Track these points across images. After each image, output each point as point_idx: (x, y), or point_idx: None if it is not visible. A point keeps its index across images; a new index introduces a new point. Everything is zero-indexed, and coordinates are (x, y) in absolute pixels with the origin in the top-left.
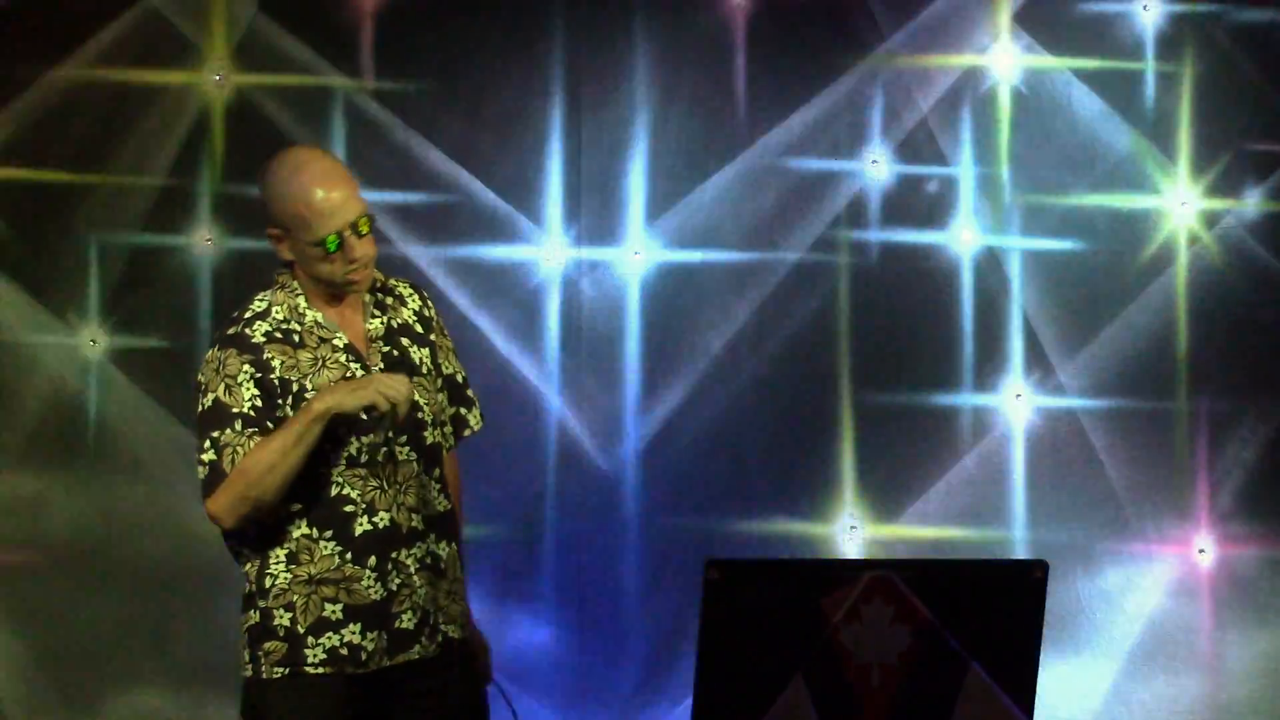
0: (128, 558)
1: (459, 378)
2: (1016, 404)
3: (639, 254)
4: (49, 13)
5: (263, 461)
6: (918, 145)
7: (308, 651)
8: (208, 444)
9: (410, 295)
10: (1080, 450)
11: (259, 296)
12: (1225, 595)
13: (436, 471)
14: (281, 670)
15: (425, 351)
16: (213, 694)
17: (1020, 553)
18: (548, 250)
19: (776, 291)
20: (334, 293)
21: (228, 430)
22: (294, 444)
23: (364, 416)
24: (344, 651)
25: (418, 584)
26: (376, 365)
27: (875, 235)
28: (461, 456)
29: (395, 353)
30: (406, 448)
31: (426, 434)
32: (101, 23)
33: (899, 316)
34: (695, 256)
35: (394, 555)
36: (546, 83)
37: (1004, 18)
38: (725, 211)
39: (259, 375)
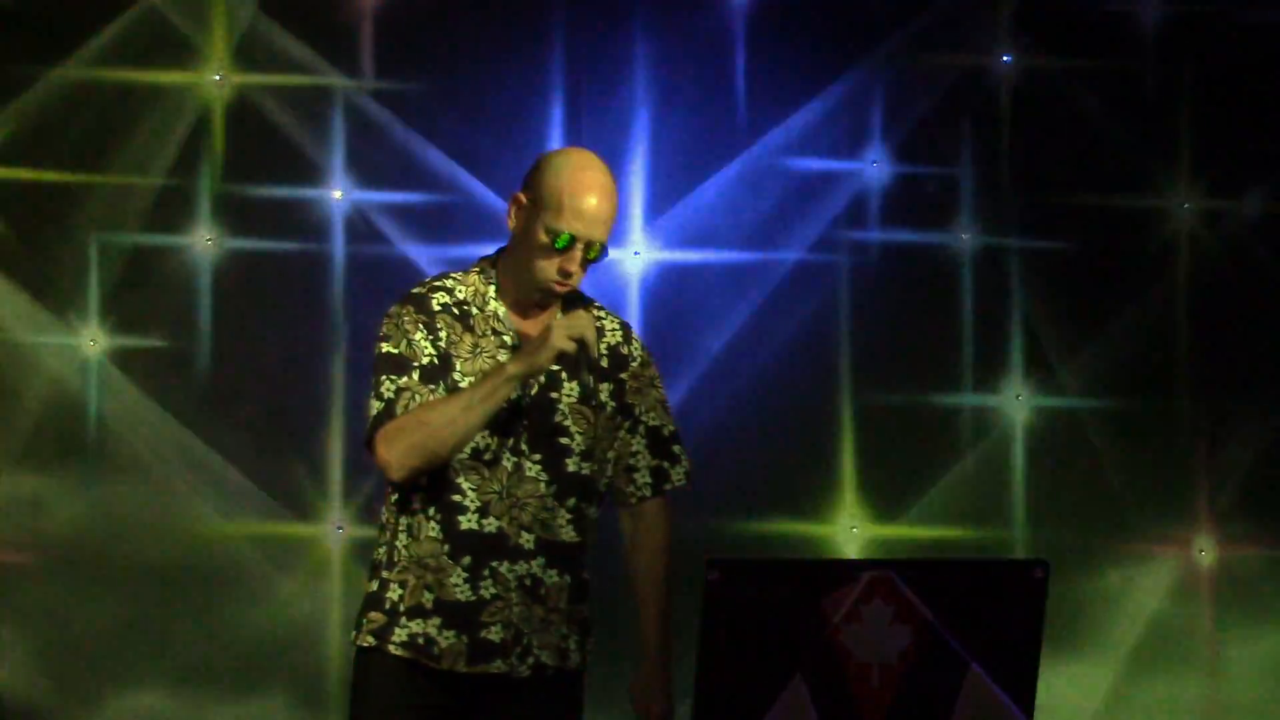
0: (128, 558)
1: (665, 431)
2: (1016, 404)
3: (639, 254)
4: (49, 13)
5: (446, 414)
6: (918, 145)
7: (397, 630)
8: (387, 382)
9: (613, 330)
10: (1080, 450)
11: (454, 274)
12: (1225, 595)
13: (571, 501)
14: (371, 641)
15: (604, 385)
16: (213, 694)
17: (1020, 553)
18: None
19: (776, 291)
20: (523, 297)
21: (405, 377)
22: (481, 401)
23: (558, 368)
24: (420, 641)
25: (514, 600)
26: (538, 377)
27: (875, 235)
28: None
29: (563, 372)
30: (538, 466)
31: (569, 462)
32: (101, 23)
33: (899, 316)
34: (695, 256)
35: (493, 564)
36: (546, 83)
37: (1004, 18)
38: (725, 211)
39: (431, 338)
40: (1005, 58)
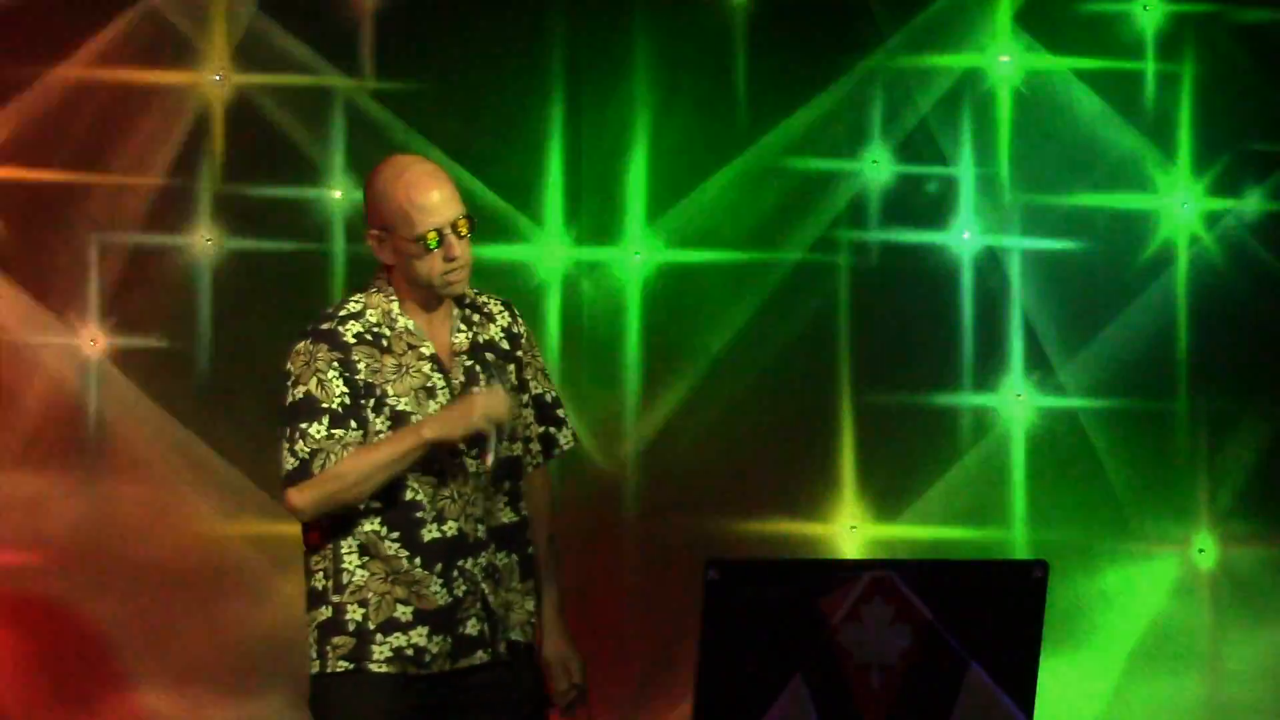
0: (128, 558)
1: (548, 397)
2: (1016, 404)
3: (639, 254)
4: (49, 13)
5: (359, 471)
6: (918, 145)
7: (374, 648)
8: (298, 436)
9: (500, 312)
10: (1080, 450)
11: (355, 296)
12: (1225, 595)
13: (506, 485)
14: (346, 665)
15: (510, 367)
16: (213, 694)
17: (1020, 553)
18: (548, 250)
19: (776, 291)
20: (427, 300)
21: (316, 424)
22: (394, 462)
23: (473, 363)
24: (409, 652)
25: (485, 591)
26: (458, 378)
27: (875, 235)
28: None
29: (477, 367)
30: (478, 460)
31: (501, 447)
32: (101, 23)
33: (899, 316)
34: (695, 256)
35: (460, 563)
36: (546, 83)
37: (1004, 18)
38: (725, 211)
39: (346, 375)
40: (1005, 58)
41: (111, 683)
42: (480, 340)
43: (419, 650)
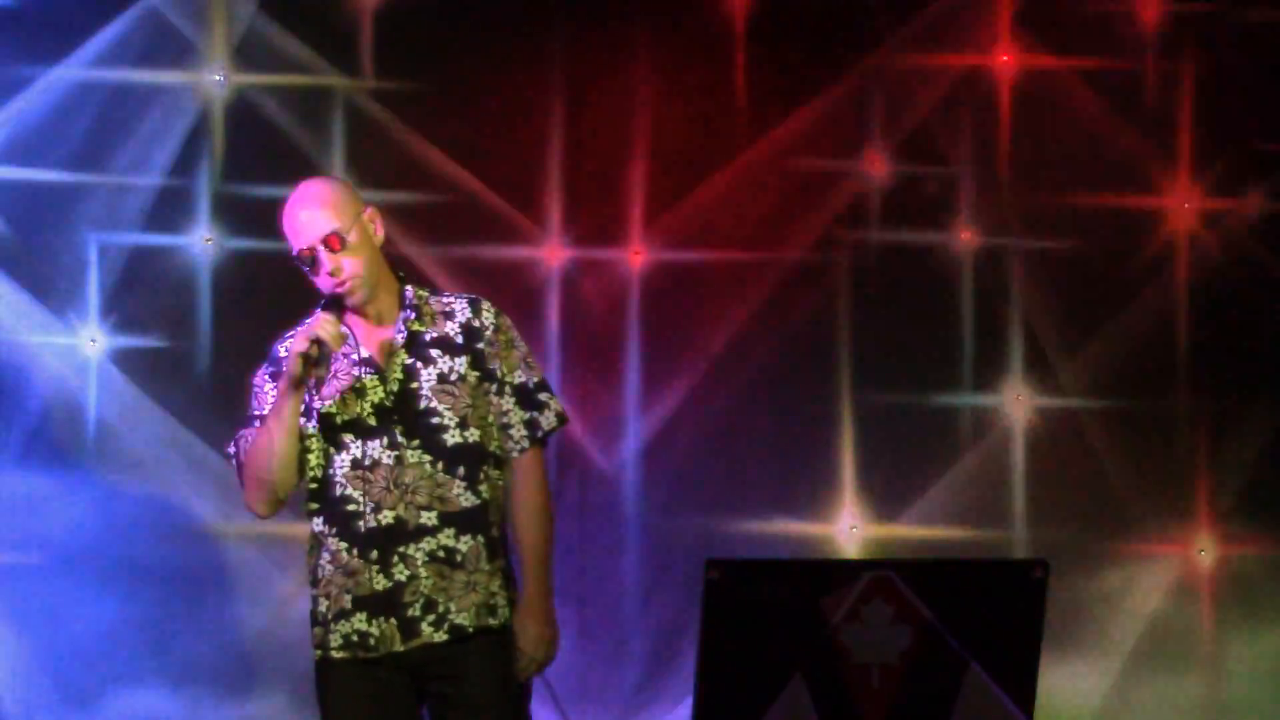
0: (128, 558)
1: (530, 383)
2: (1016, 404)
3: (639, 254)
4: (49, 13)
5: (256, 446)
6: (918, 145)
7: (331, 636)
8: (231, 446)
9: (461, 309)
10: (1080, 450)
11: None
12: (1225, 595)
13: (462, 470)
14: (319, 653)
15: (461, 359)
16: (213, 694)
17: (1020, 553)
18: (548, 250)
19: (776, 291)
20: (360, 309)
21: (246, 431)
22: (272, 424)
23: (311, 368)
24: (355, 638)
25: (423, 575)
26: (395, 374)
27: (875, 235)
28: None
29: (418, 363)
30: (419, 450)
31: (447, 436)
32: (101, 23)
33: (899, 316)
34: (695, 256)
35: (400, 549)
36: (546, 83)
37: (1004, 18)
38: (725, 211)
39: (274, 385)
40: (1005, 57)
41: (111, 683)
42: (428, 337)
43: (363, 635)
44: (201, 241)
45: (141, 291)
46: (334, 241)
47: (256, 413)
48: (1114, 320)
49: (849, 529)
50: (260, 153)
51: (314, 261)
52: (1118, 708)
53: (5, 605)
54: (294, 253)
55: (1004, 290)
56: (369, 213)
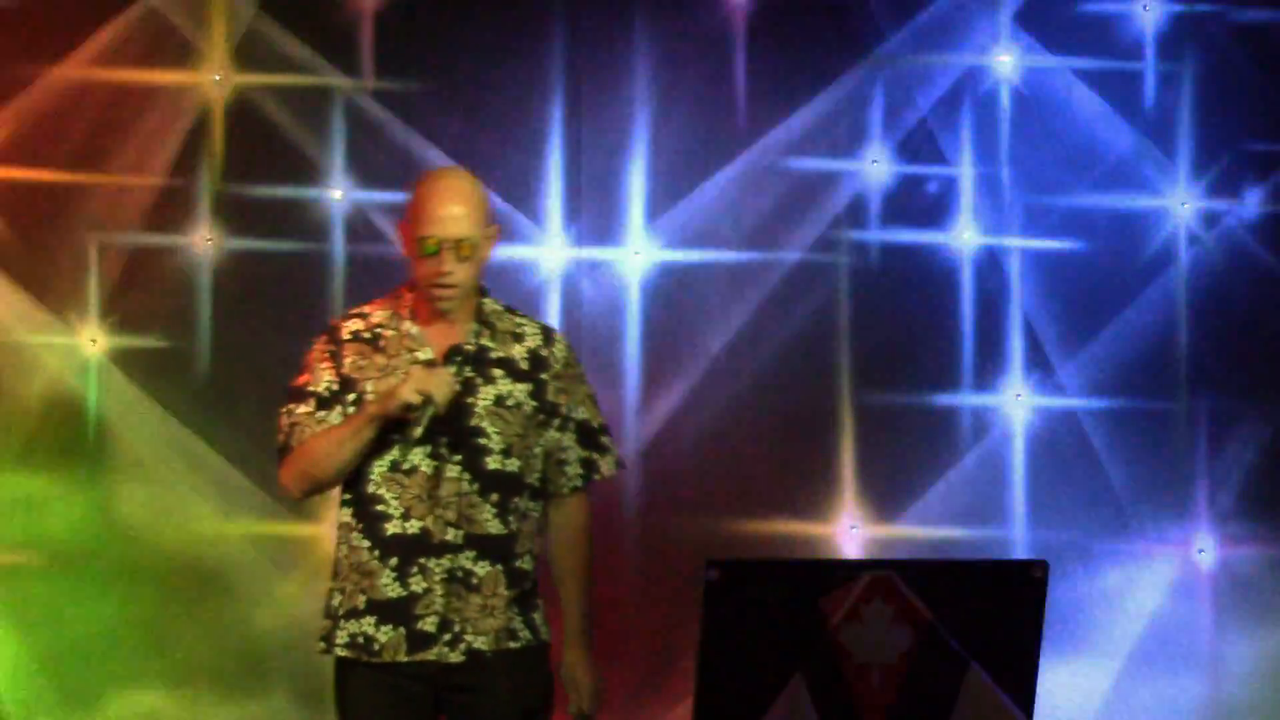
0: (128, 558)
1: (594, 424)
2: (1016, 404)
3: (639, 254)
4: (49, 13)
5: (322, 448)
6: (918, 145)
7: (338, 633)
8: (286, 414)
9: (533, 334)
10: (1080, 450)
11: (374, 301)
12: (1225, 595)
13: (496, 497)
14: (322, 645)
15: (522, 387)
16: (212, 694)
17: (1020, 553)
18: (548, 250)
19: (776, 291)
20: (429, 309)
21: (301, 407)
22: (348, 439)
23: (410, 414)
24: (360, 640)
25: (439, 593)
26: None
27: (875, 235)
28: None
29: (479, 380)
30: (458, 467)
31: (489, 460)
32: (101, 23)
33: (899, 316)
34: (695, 256)
35: (420, 560)
36: (546, 83)
37: (1004, 18)
38: (725, 211)
39: (335, 366)
40: (1005, 57)
41: (111, 683)
42: (494, 356)
43: (368, 639)
44: (201, 241)
45: (141, 291)
46: (465, 248)
47: (311, 388)
48: (1114, 320)
49: (849, 529)
50: (260, 153)
51: (436, 253)
52: (1118, 708)
53: (5, 605)
54: (420, 235)
55: (1004, 290)
56: (494, 230)
